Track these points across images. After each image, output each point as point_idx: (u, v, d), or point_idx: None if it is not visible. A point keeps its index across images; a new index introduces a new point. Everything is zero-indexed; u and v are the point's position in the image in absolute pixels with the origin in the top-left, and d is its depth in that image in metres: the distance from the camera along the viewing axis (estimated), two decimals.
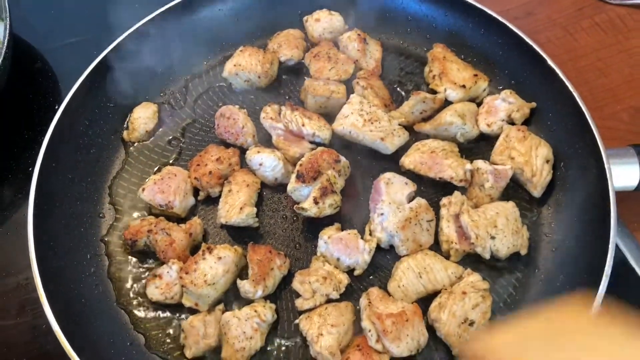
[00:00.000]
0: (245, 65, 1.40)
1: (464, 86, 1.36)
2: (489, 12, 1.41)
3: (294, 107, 1.31)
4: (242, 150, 1.33)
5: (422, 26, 1.51)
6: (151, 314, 1.15)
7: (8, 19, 1.40)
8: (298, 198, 1.21)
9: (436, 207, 1.23)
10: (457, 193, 1.21)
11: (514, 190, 1.26)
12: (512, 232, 1.15)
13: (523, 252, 1.17)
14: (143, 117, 1.38)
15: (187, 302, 1.12)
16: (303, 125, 1.29)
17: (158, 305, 1.16)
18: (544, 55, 1.32)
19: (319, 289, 1.11)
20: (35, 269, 1.09)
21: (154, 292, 1.14)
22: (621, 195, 1.15)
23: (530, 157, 1.23)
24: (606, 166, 1.14)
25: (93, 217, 1.26)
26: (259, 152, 1.26)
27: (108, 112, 1.38)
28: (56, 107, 1.29)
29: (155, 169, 1.34)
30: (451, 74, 1.38)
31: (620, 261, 1.24)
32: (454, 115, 1.29)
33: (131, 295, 1.18)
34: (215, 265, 1.11)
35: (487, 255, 1.15)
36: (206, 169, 1.25)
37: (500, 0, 1.70)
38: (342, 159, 1.24)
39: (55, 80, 1.62)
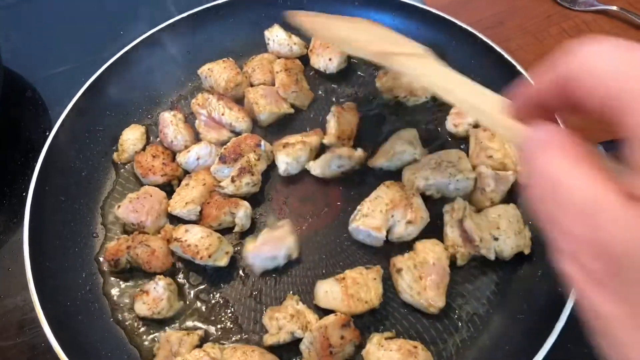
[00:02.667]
0: (214, 75, 1.47)
1: None
2: (459, 23, 1.48)
3: (220, 97, 1.41)
4: None
5: None
6: (143, 328, 1.19)
7: None
8: (221, 178, 1.32)
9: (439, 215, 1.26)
10: (459, 199, 1.24)
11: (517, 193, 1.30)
12: (515, 233, 1.18)
13: (527, 251, 1.19)
14: (132, 138, 1.42)
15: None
16: (222, 114, 1.40)
17: (148, 320, 1.19)
18: (513, 62, 1.38)
19: (285, 325, 1.12)
20: (33, 289, 1.12)
21: (142, 308, 1.17)
22: None
23: (506, 150, 1.29)
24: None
25: (87, 237, 1.30)
26: (188, 150, 1.36)
27: (97, 136, 1.43)
28: (47, 133, 1.34)
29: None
30: (413, 85, 1.46)
31: None
32: (402, 143, 1.34)
33: (125, 310, 1.21)
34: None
35: (492, 257, 1.18)
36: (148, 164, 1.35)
37: (473, 12, 1.77)
38: (264, 144, 1.35)
39: (45, 107, 1.66)
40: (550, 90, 0.50)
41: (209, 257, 1.18)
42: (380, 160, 1.35)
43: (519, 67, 1.37)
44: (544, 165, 0.44)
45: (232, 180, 1.27)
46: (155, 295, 1.17)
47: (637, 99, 0.40)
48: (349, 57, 1.56)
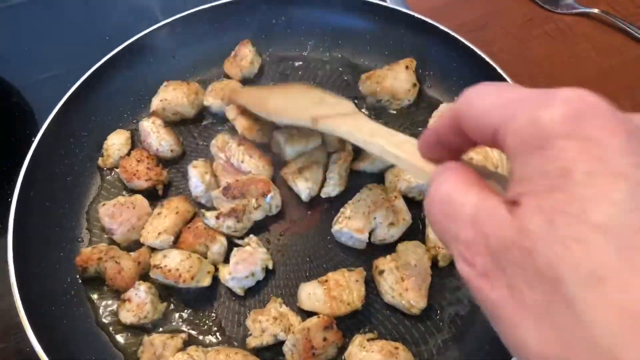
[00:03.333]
0: (172, 99, 1.46)
1: (415, 84, 1.48)
2: (441, 27, 1.49)
3: (242, 142, 1.36)
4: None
5: (377, 42, 1.59)
6: (127, 332, 1.20)
7: None
8: (217, 205, 1.29)
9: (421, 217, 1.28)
10: None
11: None
12: None
13: None
14: (117, 143, 1.43)
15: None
16: (242, 161, 1.34)
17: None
18: (494, 64, 1.40)
19: (267, 328, 1.14)
20: (17, 294, 1.13)
21: (127, 316, 1.17)
22: None
23: (487, 153, 1.29)
24: None
25: (72, 242, 1.31)
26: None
27: (83, 141, 1.44)
28: (33, 139, 1.34)
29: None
30: (395, 88, 1.47)
31: None
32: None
33: (109, 315, 1.22)
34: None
35: None
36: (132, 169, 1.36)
37: (455, 16, 1.78)
38: (272, 196, 1.28)
39: (32, 113, 1.67)
40: (446, 127, 0.58)
41: (192, 279, 1.17)
42: (364, 163, 1.37)
43: (500, 70, 1.39)
44: (439, 186, 0.53)
45: (217, 217, 1.24)
46: (139, 301, 1.18)
47: (508, 125, 0.47)
48: None
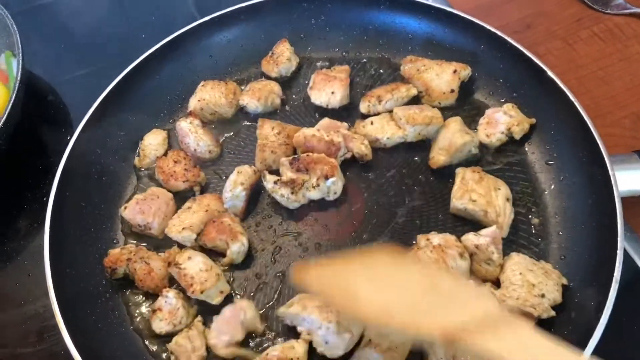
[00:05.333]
0: (210, 99, 1.43)
1: (452, 90, 1.40)
2: (488, 27, 1.43)
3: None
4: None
5: (420, 43, 1.53)
6: (162, 338, 1.16)
7: (20, 54, 1.45)
8: (281, 172, 1.28)
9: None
10: (488, 287, 1.13)
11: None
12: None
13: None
14: (154, 143, 1.41)
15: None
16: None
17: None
18: (543, 66, 1.34)
19: None
20: (53, 296, 1.11)
21: (160, 325, 1.15)
22: (628, 201, 1.15)
23: (492, 198, 1.22)
24: (610, 173, 1.15)
25: (107, 243, 1.29)
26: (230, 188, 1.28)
27: (119, 140, 1.41)
28: (68, 137, 1.32)
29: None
30: (433, 84, 1.41)
31: (631, 267, 1.24)
32: (463, 135, 1.30)
33: (145, 319, 1.19)
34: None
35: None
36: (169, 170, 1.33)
37: (499, 16, 1.73)
38: (334, 181, 1.26)
39: (67, 111, 1.66)
40: None
41: (201, 292, 1.13)
42: (443, 159, 1.31)
43: (550, 73, 1.32)
44: None
45: (275, 182, 1.25)
46: (170, 308, 1.15)
47: None
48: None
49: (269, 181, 1.25)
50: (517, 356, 0.66)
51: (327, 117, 1.41)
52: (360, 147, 1.32)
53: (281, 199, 1.26)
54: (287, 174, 1.26)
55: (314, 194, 1.27)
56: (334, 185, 1.26)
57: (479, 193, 1.22)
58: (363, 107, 1.42)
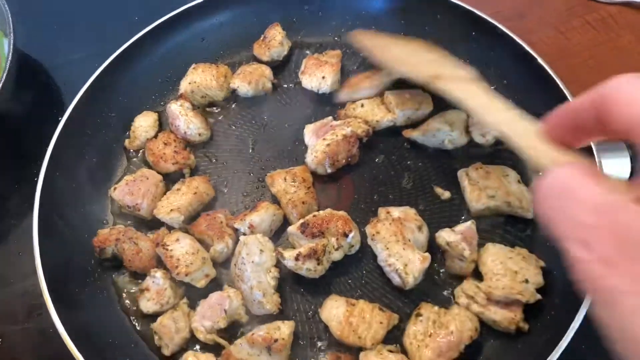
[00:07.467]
0: (201, 82, 1.43)
1: None
2: (480, 13, 1.43)
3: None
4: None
5: (415, 29, 1.52)
6: (149, 317, 1.18)
7: (12, 34, 1.44)
8: (292, 242, 1.20)
9: None
10: (470, 283, 1.13)
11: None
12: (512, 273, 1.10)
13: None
14: (144, 125, 1.41)
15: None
16: None
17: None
18: (534, 54, 1.34)
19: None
20: (41, 274, 1.12)
21: (148, 305, 1.15)
22: None
23: (506, 187, 1.21)
24: (597, 159, 1.16)
25: (96, 224, 1.29)
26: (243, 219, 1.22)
27: (110, 122, 1.42)
28: (59, 118, 1.33)
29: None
30: None
31: None
32: (442, 122, 1.31)
33: (132, 299, 1.20)
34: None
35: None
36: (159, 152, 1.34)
37: (492, 3, 1.72)
38: (353, 236, 1.17)
39: (59, 93, 1.66)
40: (586, 107, 0.58)
41: (186, 275, 1.13)
42: (415, 134, 1.34)
43: (540, 61, 1.33)
44: (561, 172, 0.53)
45: (296, 259, 1.11)
46: (157, 288, 1.16)
47: None
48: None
49: (289, 259, 1.12)
50: (474, 101, 0.92)
51: (308, 125, 1.39)
52: (361, 126, 1.33)
53: (308, 274, 1.14)
54: (301, 243, 1.16)
55: (337, 255, 1.16)
56: (354, 239, 1.17)
57: (493, 187, 1.21)
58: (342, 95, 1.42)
